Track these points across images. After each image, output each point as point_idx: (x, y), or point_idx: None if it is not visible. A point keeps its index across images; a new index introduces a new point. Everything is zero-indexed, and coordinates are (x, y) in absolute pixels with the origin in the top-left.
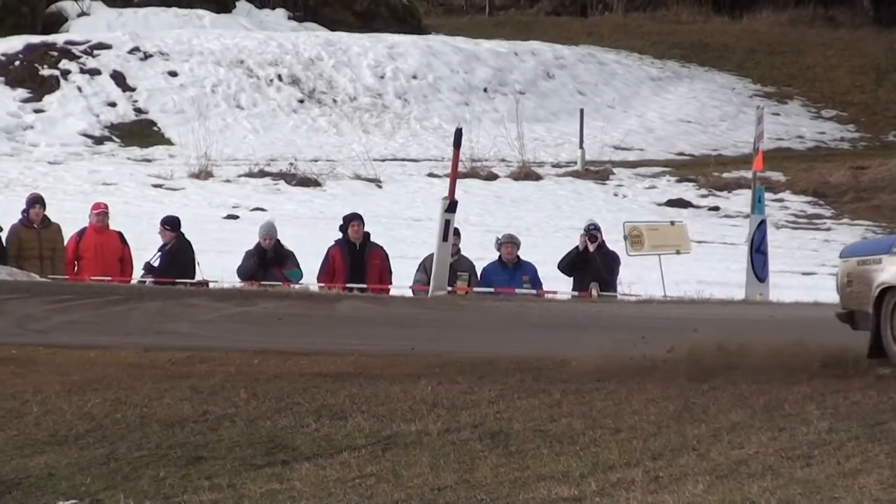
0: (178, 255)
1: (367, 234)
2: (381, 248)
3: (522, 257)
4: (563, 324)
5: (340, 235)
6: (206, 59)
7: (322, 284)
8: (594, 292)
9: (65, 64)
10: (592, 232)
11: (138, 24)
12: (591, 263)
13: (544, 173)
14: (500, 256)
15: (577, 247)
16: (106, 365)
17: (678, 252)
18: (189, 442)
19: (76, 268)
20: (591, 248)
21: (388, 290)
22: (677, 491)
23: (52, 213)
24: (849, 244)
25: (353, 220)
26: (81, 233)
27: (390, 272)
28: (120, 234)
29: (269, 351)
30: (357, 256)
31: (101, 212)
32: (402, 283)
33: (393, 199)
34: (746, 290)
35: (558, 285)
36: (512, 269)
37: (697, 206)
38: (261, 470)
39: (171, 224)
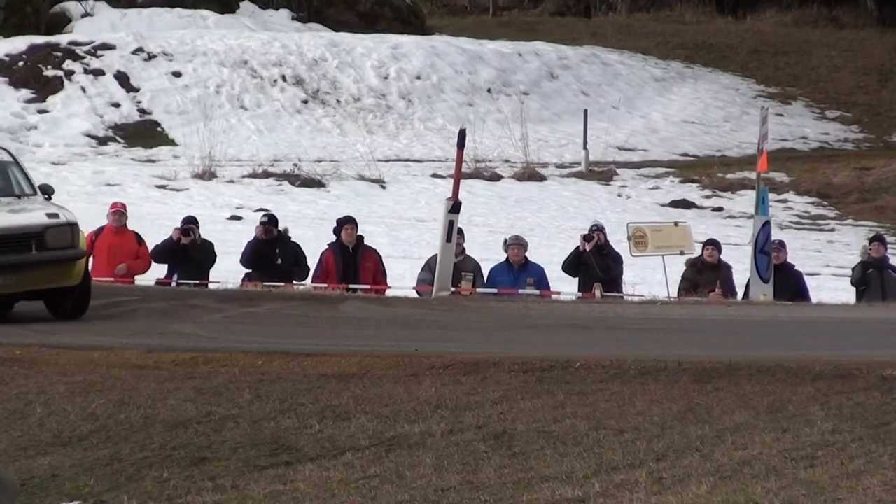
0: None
1: (361, 238)
2: (375, 251)
3: (530, 258)
4: (565, 325)
5: (335, 238)
6: (210, 59)
7: (316, 285)
8: (597, 293)
9: (68, 64)
10: (590, 232)
11: (142, 24)
12: (589, 264)
13: (548, 174)
14: (507, 258)
15: (577, 247)
16: (110, 366)
17: (682, 253)
18: (193, 443)
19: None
20: (588, 248)
21: (383, 292)
22: (681, 492)
23: None
24: None
25: (346, 223)
26: (99, 231)
27: (385, 274)
28: (137, 235)
29: (272, 352)
30: (350, 259)
31: (117, 211)
32: (405, 283)
33: (396, 200)
34: (750, 290)
35: (563, 286)
36: (518, 270)
37: (701, 207)
38: (264, 471)
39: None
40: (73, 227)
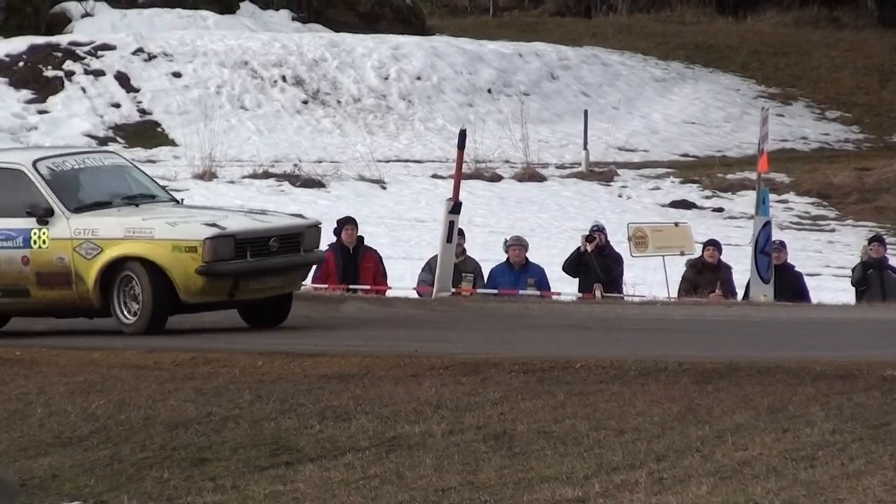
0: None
1: (361, 238)
2: (375, 251)
3: (530, 259)
4: (565, 325)
5: (335, 239)
6: (210, 60)
7: (316, 286)
8: (598, 293)
9: (69, 65)
10: (591, 233)
11: (142, 24)
12: (590, 264)
13: (548, 174)
14: (507, 258)
15: (578, 248)
16: (110, 366)
17: (682, 253)
18: (193, 443)
19: None
20: (589, 248)
21: (383, 292)
22: (681, 492)
23: None
24: None
25: (346, 223)
26: None
27: (385, 275)
28: None
29: (273, 352)
30: (350, 260)
31: None
32: (406, 283)
33: (397, 201)
34: (751, 290)
35: (563, 287)
36: (519, 271)
37: (701, 208)
38: (265, 471)
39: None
40: (320, 228)
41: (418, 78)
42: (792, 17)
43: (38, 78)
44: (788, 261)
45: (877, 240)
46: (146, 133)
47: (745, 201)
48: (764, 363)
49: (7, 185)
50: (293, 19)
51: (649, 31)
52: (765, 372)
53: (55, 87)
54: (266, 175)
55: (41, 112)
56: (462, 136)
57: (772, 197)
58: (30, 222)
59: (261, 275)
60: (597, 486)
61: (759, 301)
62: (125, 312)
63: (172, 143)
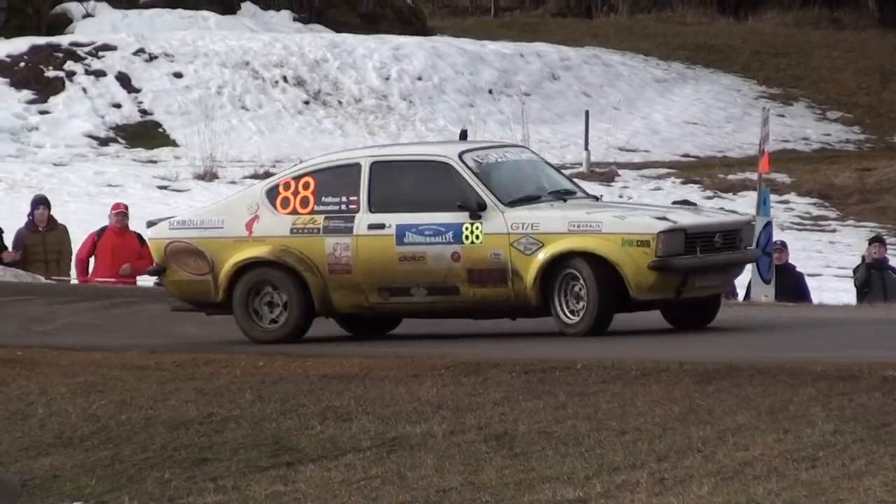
0: None
1: None
2: None
3: None
4: None
5: None
6: (212, 60)
7: None
8: None
9: (70, 65)
10: None
11: (143, 25)
12: None
13: None
14: None
15: None
16: (111, 367)
17: None
18: (194, 444)
19: (89, 266)
20: None
21: None
22: (682, 493)
23: (56, 214)
24: None
25: None
26: (101, 232)
27: None
28: (139, 236)
29: (274, 353)
30: None
31: (119, 212)
32: None
33: None
34: (752, 291)
35: None
36: None
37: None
38: (266, 472)
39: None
40: (753, 225)
41: (419, 78)
42: (793, 18)
43: (39, 78)
44: (789, 261)
45: (877, 240)
46: (147, 133)
47: (746, 202)
48: (765, 363)
49: (433, 179)
50: (294, 20)
51: (650, 31)
52: (766, 372)
53: (56, 87)
54: (267, 175)
55: (42, 112)
56: (463, 136)
57: (773, 197)
58: (459, 216)
59: (706, 272)
60: (598, 486)
61: (761, 301)
62: (567, 312)
63: (173, 144)
